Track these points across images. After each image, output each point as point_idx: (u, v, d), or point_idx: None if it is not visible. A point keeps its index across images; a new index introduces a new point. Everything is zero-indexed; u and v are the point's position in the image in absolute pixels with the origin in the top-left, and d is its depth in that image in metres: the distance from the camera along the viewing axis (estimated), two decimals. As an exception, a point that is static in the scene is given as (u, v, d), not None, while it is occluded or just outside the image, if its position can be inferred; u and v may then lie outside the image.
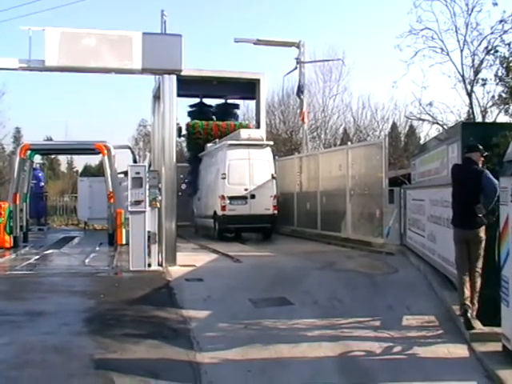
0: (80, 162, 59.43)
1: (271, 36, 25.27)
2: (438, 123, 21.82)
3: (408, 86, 51.80)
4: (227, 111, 25.19)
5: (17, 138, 51.33)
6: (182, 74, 13.62)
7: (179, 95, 19.38)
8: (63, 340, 7.09)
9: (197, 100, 25.01)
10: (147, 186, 12.85)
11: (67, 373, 5.97)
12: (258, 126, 23.37)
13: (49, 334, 7.37)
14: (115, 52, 13.02)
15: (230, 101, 25.59)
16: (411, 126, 34.54)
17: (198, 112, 24.62)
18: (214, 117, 24.70)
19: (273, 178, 18.89)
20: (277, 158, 22.25)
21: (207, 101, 25.48)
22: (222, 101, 25.51)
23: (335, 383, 5.84)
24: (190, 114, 24.67)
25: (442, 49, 20.26)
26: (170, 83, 13.57)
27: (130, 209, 12.93)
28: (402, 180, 18.27)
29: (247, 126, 23.14)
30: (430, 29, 20.10)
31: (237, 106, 26.02)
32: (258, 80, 23.70)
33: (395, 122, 34.41)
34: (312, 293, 9.74)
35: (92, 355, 6.53)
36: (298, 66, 24.65)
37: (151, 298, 9.68)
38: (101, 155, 20.03)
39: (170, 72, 13.48)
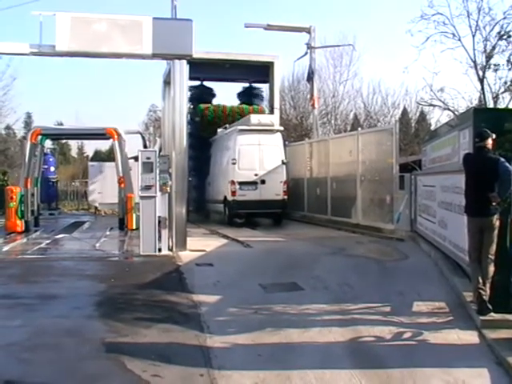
0: (90, 147, 59.54)
1: (282, 21, 25.17)
2: (449, 109, 21.76)
3: (419, 71, 51.47)
4: (252, 95, 25.09)
5: (28, 123, 51.49)
6: (194, 56, 13.58)
7: (190, 78, 19.39)
8: (75, 323, 7.16)
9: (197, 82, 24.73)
10: (158, 171, 12.88)
11: (79, 356, 6.01)
12: (271, 110, 23.27)
13: (61, 317, 7.44)
14: (126, 37, 13.01)
15: (254, 84, 25.32)
16: (422, 112, 34.45)
17: (199, 94, 24.49)
18: (213, 99, 24.72)
19: (283, 163, 18.86)
20: (287, 143, 22.18)
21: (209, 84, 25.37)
22: (246, 84, 25.34)
23: (345, 368, 5.83)
24: (191, 96, 24.28)
25: (453, 34, 20.21)
26: (181, 68, 13.56)
27: (140, 194, 12.98)
28: (412, 166, 18.21)
29: (259, 111, 23.01)
30: (441, 14, 20.04)
31: (260, 90, 25.71)
32: (272, 63, 23.54)
33: (406, 108, 34.30)
34: (322, 278, 9.75)
35: (103, 339, 6.58)
36: (309, 51, 24.55)
37: (162, 283, 9.72)
38: (111, 140, 20.08)
39: (180, 57, 13.46)
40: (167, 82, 19.09)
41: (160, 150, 19.29)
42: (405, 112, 34.82)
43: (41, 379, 5.42)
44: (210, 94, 25.18)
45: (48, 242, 15.22)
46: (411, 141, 30.66)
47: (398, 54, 54.62)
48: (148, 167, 12.87)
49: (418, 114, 34.79)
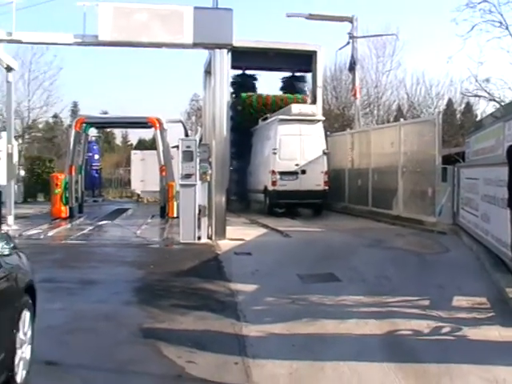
0: (135, 135, 60.12)
1: (324, 11, 24.97)
2: (495, 100, 21.20)
3: (464, 61, 50.18)
4: (295, 84, 25.01)
5: (74, 111, 52.26)
6: (237, 45, 13.67)
7: (233, 67, 19.44)
8: (113, 308, 7.29)
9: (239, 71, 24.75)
10: (198, 160, 12.95)
11: (116, 340, 6.12)
12: (313, 100, 23.14)
13: (100, 302, 7.60)
14: (167, 27, 13.11)
15: (297, 73, 25.31)
16: (467, 103, 33.69)
17: (241, 83, 24.47)
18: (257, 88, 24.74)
19: (324, 153, 18.75)
20: (328, 133, 22.02)
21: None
22: (288, 74, 25.36)
23: (380, 361, 5.76)
24: (233, 85, 24.27)
25: (500, 22, 19.61)
26: (221, 57, 13.59)
27: (180, 182, 13.10)
28: (455, 158, 17.86)
29: (303, 100, 22.89)
30: (488, 1, 19.44)
31: (304, 79, 25.62)
32: (315, 52, 23.38)
33: (451, 99, 33.59)
34: (360, 270, 9.68)
35: (140, 324, 6.67)
36: (351, 40, 24.24)
37: (200, 271, 9.82)
38: (153, 129, 20.30)
39: (220, 46, 13.49)
40: (208, 72, 19.22)
41: (201, 139, 19.42)
42: (450, 103, 34.14)
43: (79, 361, 5.51)
44: (252, 83, 25.21)
45: (91, 228, 15.52)
46: (456, 132, 30.03)
47: (443, 44, 53.37)
48: (188, 156, 12.98)
49: (463, 105, 34.07)
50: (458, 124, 32.66)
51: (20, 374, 4.68)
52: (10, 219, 15.72)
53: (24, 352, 4.82)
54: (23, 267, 5.16)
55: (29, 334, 4.99)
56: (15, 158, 17.86)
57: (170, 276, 9.21)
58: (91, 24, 13.14)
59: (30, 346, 4.99)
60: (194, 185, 12.87)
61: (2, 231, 5.05)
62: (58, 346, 5.92)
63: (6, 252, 4.72)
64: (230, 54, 14.23)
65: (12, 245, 4.97)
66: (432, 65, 56.30)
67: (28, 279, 5.15)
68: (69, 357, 5.67)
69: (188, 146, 13.12)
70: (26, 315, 4.94)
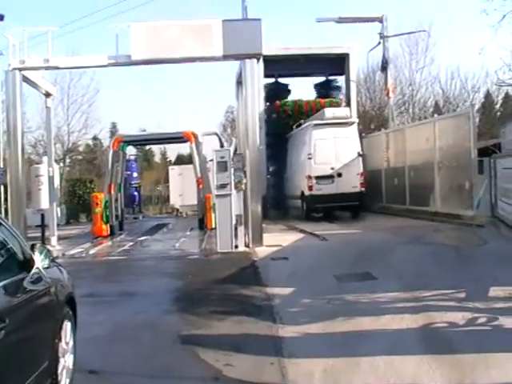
0: (173, 152, 60.67)
1: (354, 13, 25.00)
2: (531, 88, 20.79)
3: (497, 51, 48.92)
4: (329, 87, 25.15)
5: (113, 132, 53.03)
6: (267, 53, 13.78)
7: (266, 75, 19.59)
8: (152, 318, 7.45)
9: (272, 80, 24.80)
10: (232, 170, 13.11)
11: (155, 348, 6.27)
12: (348, 103, 23.14)
13: (140, 312, 7.79)
14: (197, 41, 13.39)
15: (330, 77, 25.43)
16: (506, 94, 33.08)
17: (274, 91, 24.58)
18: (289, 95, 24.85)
19: (359, 155, 18.70)
20: (363, 135, 21.96)
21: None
22: (323, 78, 25.50)
23: (416, 354, 5.78)
24: (266, 93, 23.98)
25: (531, 9, 19.20)
26: (251, 67, 13.76)
27: (216, 192, 13.28)
28: (492, 150, 17.62)
29: (337, 103, 22.92)
30: (517, -11, 19.08)
31: (337, 83, 25.67)
32: (347, 54, 23.44)
33: (489, 91, 33.06)
34: (397, 267, 9.67)
35: (179, 331, 6.83)
36: (382, 40, 24.16)
37: (237, 277, 9.96)
38: (189, 143, 20.59)
39: (250, 56, 13.68)
40: (239, 82, 19.44)
41: (236, 150, 19.63)
42: (488, 95, 33.60)
43: (120, 369, 5.70)
44: (285, 91, 25.33)
45: (131, 244, 15.83)
46: (494, 124, 29.52)
47: (476, 37, 52.30)
48: (222, 166, 13.14)
49: (500, 97, 33.48)
50: (496, 115, 32.12)
51: (64, 381, 4.85)
52: (54, 240, 16.16)
53: (67, 361, 4.99)
54: (63, 280, 5.39)
55: (71, 343, 5.17)
56: (56, 182, 18.39)
57: (207, 284, 9.39)
58: (124, 44, 13.54)
59: (72, 356, 5.17)
60: (230, 194, 13.01)
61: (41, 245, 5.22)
62: (100, 356, 6.10)
63: (46, 265, 4.92)
64: (260, 63, 14.38)
65: (51, 257, 5.20)
66: (466, 58, 55.23)
67: (68, 291, 5.36)
68: (110, 365, 5.86)
69: (222, 157, 13.30)
70: (67, 325, 5.12)
